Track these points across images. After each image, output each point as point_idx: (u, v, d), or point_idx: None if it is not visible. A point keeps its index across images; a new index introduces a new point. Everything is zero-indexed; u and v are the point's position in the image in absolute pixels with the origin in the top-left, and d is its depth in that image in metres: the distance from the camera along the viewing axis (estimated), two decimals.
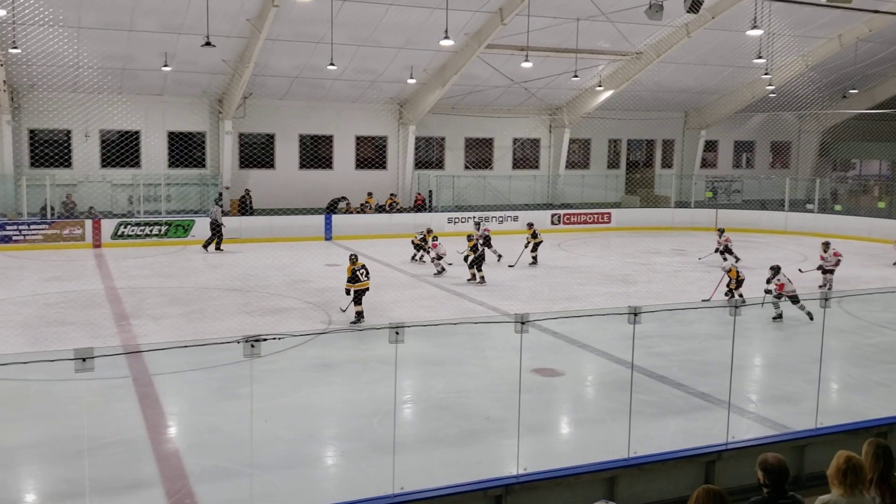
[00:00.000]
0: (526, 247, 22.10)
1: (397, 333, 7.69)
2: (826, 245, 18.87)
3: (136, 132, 27.44)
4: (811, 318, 14.58)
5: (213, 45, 20.87)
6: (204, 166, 28.61)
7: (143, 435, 9.43)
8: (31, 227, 24.00)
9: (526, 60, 25.23)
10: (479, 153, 33.30)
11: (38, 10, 20.69)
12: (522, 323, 8.12)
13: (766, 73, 28.99)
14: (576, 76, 27.72)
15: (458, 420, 10.24)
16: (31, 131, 26.43)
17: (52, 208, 25.47)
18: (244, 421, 9.55)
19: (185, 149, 28.36)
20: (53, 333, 13.84)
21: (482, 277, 19.26)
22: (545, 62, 27.88)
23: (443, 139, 32.39)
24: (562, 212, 31.19)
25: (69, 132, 26.78)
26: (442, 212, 29.83)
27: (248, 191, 27.97)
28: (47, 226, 24.17)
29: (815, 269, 18.73)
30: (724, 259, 20.95)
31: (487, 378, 12.10)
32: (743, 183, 36.71)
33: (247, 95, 27.09)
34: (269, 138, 29.64)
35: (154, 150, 27.78)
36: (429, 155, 32.59)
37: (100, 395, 10.54)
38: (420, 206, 30.35)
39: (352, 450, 9.21)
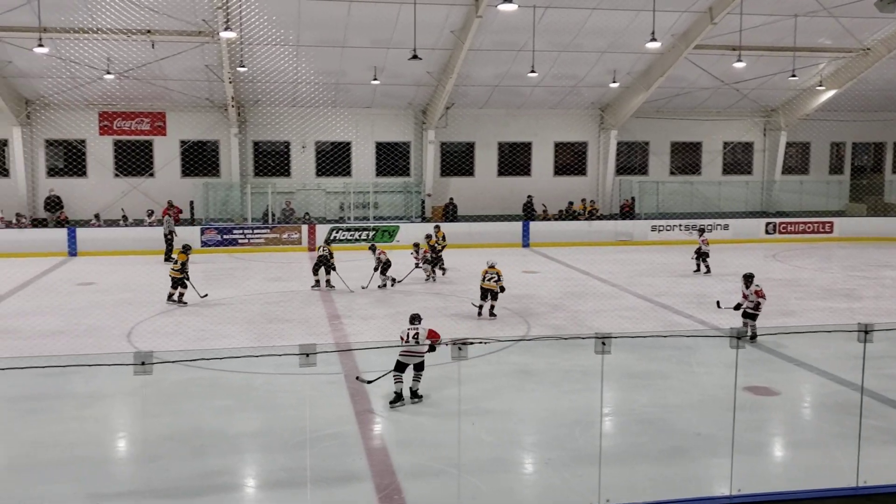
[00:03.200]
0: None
1: (604, 344, 7.49)
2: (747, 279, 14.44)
3: (348, 143, 29.00)
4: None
5: (420, 58, 21.60)
6: (408, 175, 29.70)
7: (354, 430, 9.83)
8: (255, 231, 26.02)
9: (738, 60, 23.96)
10: (686, 158, 32.02)
11: (262, 31, 22.41)
12: (738, 338, 7.65)
13: None
14: (794, 76, 25.96)
15: (664, 435, 9.82)
16: (255, 143, 28.70)
17: (273, 214, 27.49)
18: (448, 421, 9.74)
19: (391, 158, 29.59)
20: (275, 330, 14.85)
21: (436, 271, 20.60)
22: (759, 61, 26.36)
23: (646, 144, 31.47)
24: (777, 220, 29.28)
25: (288, 144, 28.80)
26: (645, 219, 28.98)
27: (451, 199, 28.68)
28: (269, 230, 26.09)
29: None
30: None
31: (695, 394, 11.54)
32: None
33: (449, 105, 27.80)
34: (469, 146, 30.23)
35: (363, 160, 29.23)
36: (631, 160, 31.79)
37: (316, 389, 11.13)
38: (627, 212, 29.63)
39: (554, 458, 9.09)
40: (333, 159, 29.03)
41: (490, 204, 29.32)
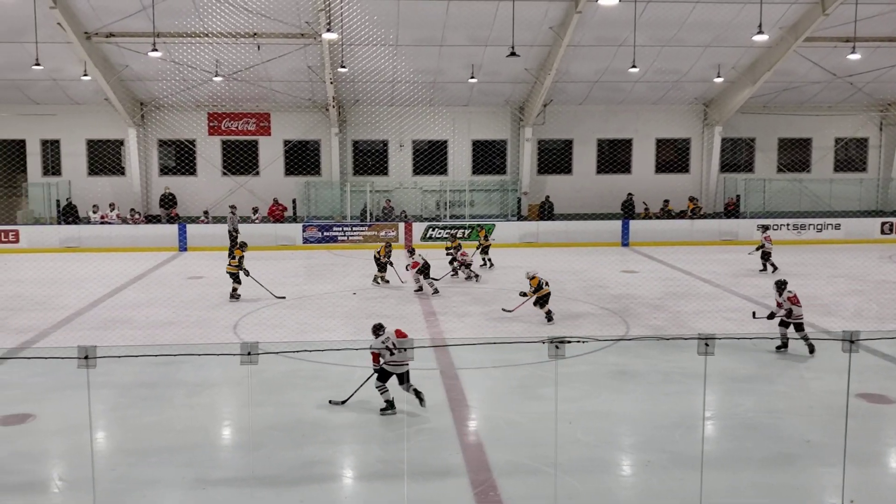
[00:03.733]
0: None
1: (707, 345, 7.28)
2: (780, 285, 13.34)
3: (444, 141, 29.19)
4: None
5: (518, 55, 21.53)
6: (504, 173, 29.65)
7: (450, 425, 9.89)
8: (354, 228, 26.53)
9: (852, 52, 22.82)
10: (795, 154, 30.71)
11: (363, 32, 22.82)
12: (851, 342, 7.28)
13: None
14: None
15: (769, 441, 9.46)
16: (355, 142, 29.25)
17: (371, 212, 27.97)
18: (544, 420, 9.67)
19: (488, 156, 29.61)
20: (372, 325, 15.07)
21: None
22: (875, 53, 25.07)
23: (752, 140, 30.39)
24: (894, 220, 27.75)
25: (386, 143, 29.23)
26: (751, 217, 28.00)
27: (547, 197, 28.48)
28: (366, 227, 26.55)
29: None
30: None
31: (803, 399, 11.06)
32: None
33: (547, 102, 27.59)
34: (567, 144, 29.92)
35: (459, 158, 29.35)
36: (736, 157, 30.77)
37: (412, 383, 11.24)
38: (731, 211, 28.69)
39: (653, 461, 8.89)
40: (430, 157, 29.28)
41: (588, 202, 28.91)
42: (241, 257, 17.56)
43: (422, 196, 29.03)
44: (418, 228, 26.45)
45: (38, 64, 22.08)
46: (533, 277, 15.15)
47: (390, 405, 10.15)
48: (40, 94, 26.78)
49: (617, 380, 11.86)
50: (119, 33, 22.98)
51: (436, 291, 18.08)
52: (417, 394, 10.24)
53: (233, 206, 25.79)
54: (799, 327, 12.77)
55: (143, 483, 8.27)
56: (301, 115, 28.37)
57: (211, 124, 28.52)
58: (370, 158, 29.62)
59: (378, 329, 10.39)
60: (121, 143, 28.38)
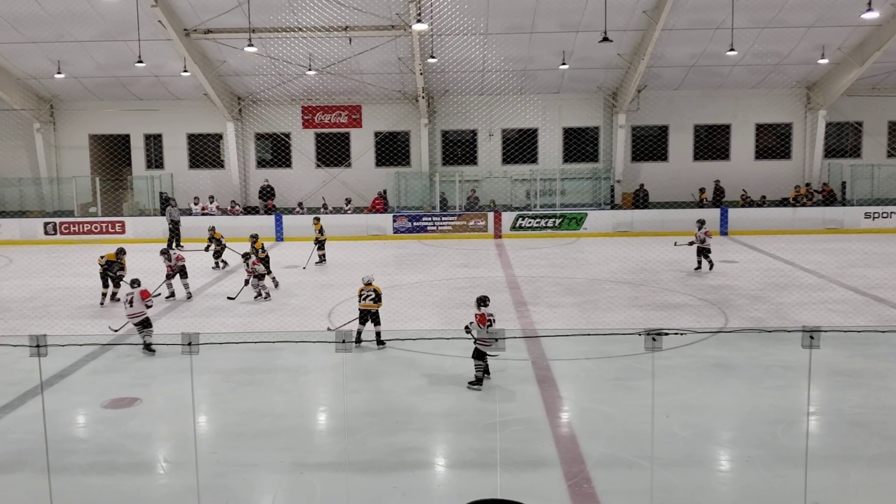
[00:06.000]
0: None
1: (812, 338, 6.97)
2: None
3: (535, 130, 28.93)
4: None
5: (610, 40, 21.11)
6: (597, 160, 29.17)
7: (542, 416, 9.82)
8: (443, 218, 26.64)
9: None
10: None
11: (452, 21, 22.80)
12: None
13: None
14: None
15: (878, 439, 9.02)
16: (444, 132, 29.33)
17: (457, 203, 28.01)
18: (639, 413, 9.48)
19: (579, 144, 29.19)
20: (463, 315, 15.07)
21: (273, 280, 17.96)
22: None
23: (860, 124, 28.91)
24: None
25: (475, 132, 29.18)
26: (858, 205, 26.70)
27: (642, 185, 27.90)
28: (455, 218, 26.61)
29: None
30: None
31: None
32: None
33: (640, 88, 26.97)
34: (662, 130, 29.19)
35: (550, 147, 29.04)
36: (841, 142, 29.36)
37: (504, 374, 11.23)
38: (827, 197, 27.46)
39: (754, 457, 8.59)
40: (520, 146, 29.08)
41: (685, 190, 28.15)
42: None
43: (511, 185, 28.89)
44: (507, 218, 26.34)
45: (140, 61, 22.99)
46: (370, 283, 12.94)
47: (479, 381, 10.72)
48: (143, 90, 27.91)
49: (715, 373, 11.51)
50: (216, 29, 23.69)
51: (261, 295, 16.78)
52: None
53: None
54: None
55: (244, 466, 8.52)
56: (391, 106, 28.64)
57: (305, 118, 29.12)
58: (459, 148, 29.66)
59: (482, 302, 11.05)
60: (220, 136, 29.30)
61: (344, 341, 6.73)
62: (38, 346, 6.36)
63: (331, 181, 28.92)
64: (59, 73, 25.79)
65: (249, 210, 28.46)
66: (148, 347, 12.53)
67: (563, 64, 25.46)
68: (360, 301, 12.77)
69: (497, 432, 9.25)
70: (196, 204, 27.75)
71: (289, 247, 24.64)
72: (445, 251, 23.34)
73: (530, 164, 28.94)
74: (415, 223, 26.49)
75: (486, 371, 10.85)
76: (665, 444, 8.79)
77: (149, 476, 8.56)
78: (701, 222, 19.36)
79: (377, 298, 12.64)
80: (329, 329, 12.54)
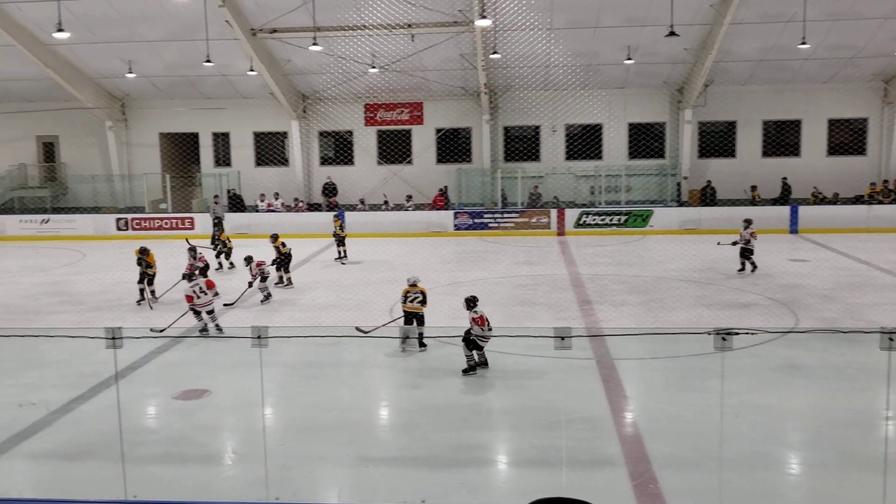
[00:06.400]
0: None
1: (891, 339, 6.72)
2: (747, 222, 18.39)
3: (599, 125, 28.59)
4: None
5: (677, 35, 20.75)
6: (663, 157, 28.69)
7: (606, 415, 9.70)
8: (505, 215, 26.55)
9: None
10: None
11: (516, 17, 22.69)
12: None
13: None
14: None
15: None
16: (506, 128, 29.23)
17: (519, 200, 27.89)
18: (706, 413, 9.29)
19: (645, 140, 28.76)
20: (525, 312, 15.06)
21: (289, 279, 17.89)
22: None
23: None
24: None
25: (538, 128, 29.00)
26: None
27: (709, 181, 27.34)
28: (518, 214, 26.49)
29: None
30: None
31: None
32: None
33: (708, 83, 26.42)
34: (730, 126, 28.54)
35: (615, 142, 28.67)
36: None
37: (567, 372, 11.14)
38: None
39: (826, 461, 8.33)
40: (584, 142, 28.78)
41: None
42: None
43: (574, 182, 28.62)
44: (571, 215, 26.10)
45: (208, 61, 23.50)
46: (415, 284, 12.64)
47: (473, 368, 11.09)
48: (211, 89, 28.52)
49: (785, 374, 11.20)
50: (282, 29, 24.06)
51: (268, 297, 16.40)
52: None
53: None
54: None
55: (310, 459, 8.64)
56: (453, 102, 28.66)
57: (367, 115, 29.37)
58: (521, 144, 29.51)
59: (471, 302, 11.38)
60: (284, 134, 29.76)
61: (408, 337, 6.78)
62: (113, 338, 6.55)
63: (392, 178, 29.10)
64: (130, 72, 26.55)
65: (312, 207, 28.84)
66: (218, 328, 13.28)
67: (629, 59, 25.12)
68: (405, 303, 12.52)
69: (561, 431, 9.17)
70: (262, 201, 28.26)
71: (350, 243, 24.86)
72: (507, 248, 23.25)
73: (594, 160, 28.61)
74: (476, 220, 26.46)
75: (485, 363, 11.15)
76: (733, 446, 8.59)
77: (217, 467, 8.74)
78: (748, 221, 18.43)
79: (424, 300, 12.46)
80: (358, 329, 12.39)
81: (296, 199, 28.43)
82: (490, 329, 11.10)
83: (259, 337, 6.55)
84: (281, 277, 17.93)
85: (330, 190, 28.90)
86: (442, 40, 24.30)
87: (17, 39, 24.25)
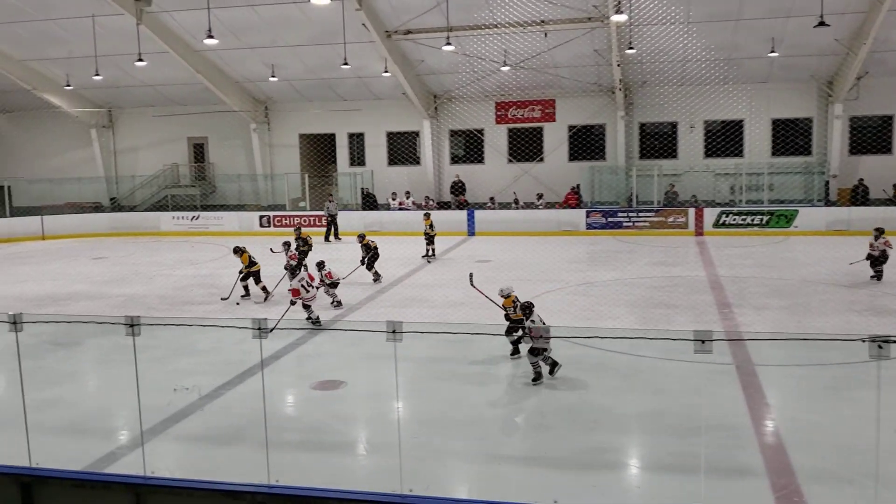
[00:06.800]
0: None
1: None
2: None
3: (740, 121, 27.45)
4: None
5: (827, 25, 19.65)
6: (809, 154, 27.21)
7: (746, 423, 9.27)
8: (640, 214, 25.93)
9: None
10: None
11: (652, 11, 22.10)
12: None
13: None
14: None
15: None
16: (641, 125, 28.54)
17: (658, 199, 27.15)
18: (858, 426, 8.72)
19: (790, 136, 27.36)
20: (660, 315, 14.64)
21: (376, 274, 18.21)
22: None
23: None
24: None
25: (675, 124, 28.15)
26: None
27: (861, 180, 25.71)
28: (653, 213, 25.81)
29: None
30: None
31: None
32: None
33: (861, 75, 24.84)
34: (886, 120, 26.72)
35: (757, 139, 27.46)
36: None
37: (705, 377, 10.73)
38: None
39: None
40: (724, 139, 27.70)
41: None
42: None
43: (714, 180, 27.59)
44: (710, 214, 25.19)
45: (346, 63, 24.22)
46: (508, 296, 12.12)
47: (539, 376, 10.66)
48: (347, 91, 29.40)
49: None
50: (416, 30, 24.47)
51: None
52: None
53: (331, 194, 26.76)
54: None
55: (442, 453, 8.72)
56: (586, 99, 28.26)
57: (498, 113, 29.42)
58: (657, 141, 28.74)
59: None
60: (416, 134, 30.28)
61: (541, 337, 6.71)
62: (259, 329, 6.84)
63: (522, 176, 29.02)
64: (272, 76, 27.76)
65: (442, 205, 29.19)
66: (316, 322, 13.85)
67: (773, 51, 23.97)
68: (511, 313, 11.96)
69: (700, 437, 8.84)
70: (394, 199, 28.87)
71: (480, 241, 25.01)
72: (642, 248, 22.70)
73: (735, 158, 27.50)
74: (609, 219, 25.99)
75: (555, 363, 10.75)
76: (890, 462, 8.00)
77: (352, 456, 8.97)
78: (879, 231, 16.90)
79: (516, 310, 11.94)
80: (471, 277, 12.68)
81: (426, 198, 28.86)
82: (547, 331, 10.69)
83: (394, 332, 6.66)
84: (376, 272, 18.38)
85: (458, 188, 29.15)
86: (575, 36, 24.00)
87: (171, 46, 25.86)
